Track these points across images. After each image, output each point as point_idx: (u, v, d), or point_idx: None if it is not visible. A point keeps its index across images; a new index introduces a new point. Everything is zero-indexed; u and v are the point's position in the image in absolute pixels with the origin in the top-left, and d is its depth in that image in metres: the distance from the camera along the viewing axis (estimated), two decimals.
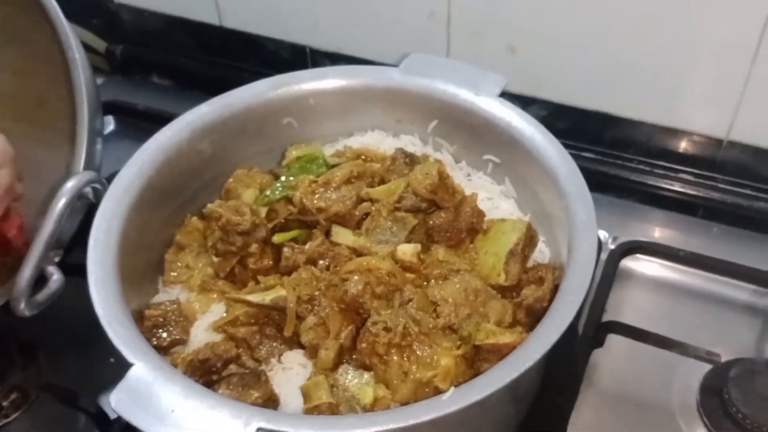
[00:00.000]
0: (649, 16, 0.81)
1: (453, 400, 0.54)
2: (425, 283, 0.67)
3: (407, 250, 0.68)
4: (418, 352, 0.61)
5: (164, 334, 0.67)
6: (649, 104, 0.89)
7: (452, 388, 0.55)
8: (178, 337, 0.67)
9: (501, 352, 0.61)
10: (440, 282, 0.66)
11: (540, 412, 0.70)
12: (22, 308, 0.65)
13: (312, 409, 0.59)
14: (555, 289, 0.65)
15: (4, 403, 0.76)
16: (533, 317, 0.65)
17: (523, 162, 0.73)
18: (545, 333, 0.58)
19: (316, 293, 0.66)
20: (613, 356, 0.77)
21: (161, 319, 0.68)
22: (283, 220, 0.72)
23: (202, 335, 0.68)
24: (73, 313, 0.70)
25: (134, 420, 0.53)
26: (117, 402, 0.54)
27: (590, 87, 0.90)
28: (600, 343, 0.76)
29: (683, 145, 0.90)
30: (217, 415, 0.53)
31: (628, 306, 0.82)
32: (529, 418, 0.70)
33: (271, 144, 0.81)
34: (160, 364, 0.57)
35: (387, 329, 0.61)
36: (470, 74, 0.78)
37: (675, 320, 0.79)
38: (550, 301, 0.65)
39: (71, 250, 0.79)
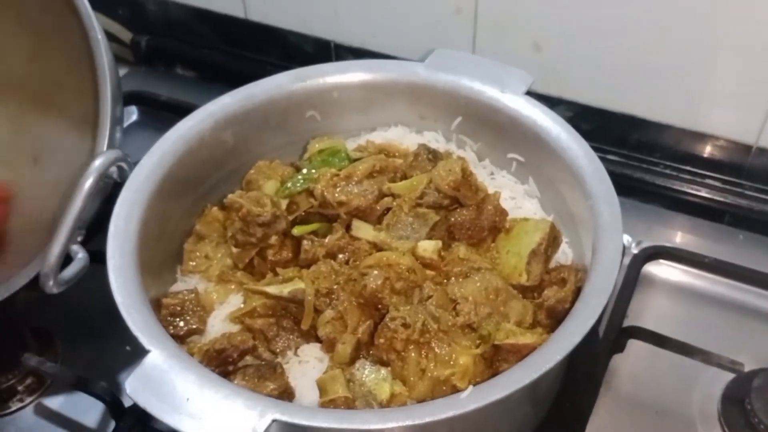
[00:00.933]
0: (675, 17, 0.80)
1: (472, 399, 0.53)
2: (445, 280, 0.66)
3: (428, 247, 0.67)
4: (436, 350, 0.60)
5: (181, 323, 0.67)
6: (675, 107, 0.87)
7: (471, 387, 0.54)
8: (195, 326, 0.67)
9: (521, 353, 0.60)
10: (461, 280, 0.65)
11: (559, 415, 0.69)
12: (51, 285, 0.65)
13: (328, 403, 0.58)
14: (577, 291, 0.64)
15: (20, 387, 0.77)
16: (554, 319, 0.64)
17: (548, 161, 0.72)
18: (567, 335, 0.57)
19: (335, 287, 0.65)
20: (634, 362, 0.75)
21: (179, 308, 0.67)
22: (303, 213, 0.72)
23: (219, 325, 0.68)
24: (89, 300, 0.70)
25: (149, 407, 0.53)
26: (132, 389, 0.54)
27: (616, 88, 0.89)
28: (621, 348, 0.75)
29: (710, 150, 0.89)
30: (232, 405, 0.53)
31: (649, 311, 0.80)
32: (547, 419, 0.69)
33: (294, 137, 0.81)
34: (176, 352, 0.57)
35: (406, 325, 0.60)
36: (496, 71, 0.77)
37: (697, 327, 0.78)
38: (572, 303, 0.64)
39: (91, 238, 0.79)
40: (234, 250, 0.71)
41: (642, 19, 0.82)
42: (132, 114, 1.07)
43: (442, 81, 0.77)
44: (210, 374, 0.56)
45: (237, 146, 0.77)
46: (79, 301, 0.73)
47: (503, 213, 0.71)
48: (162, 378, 0.54)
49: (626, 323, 0.77)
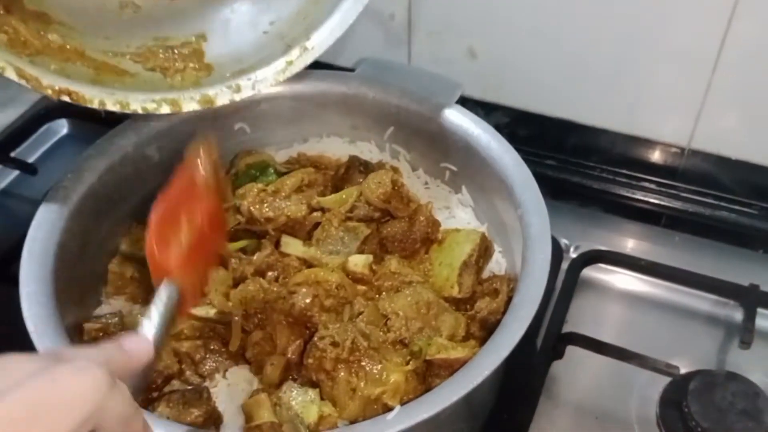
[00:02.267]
0: (611, 23, 0.80)
1: (398, 419, 0.52)
2: (377, 295, 0.65)
3: (359, 261, 0.66)
4: (366, 368, 0.59)
5: None
6: (611, 112, 0.88)
7: (398, 407, 0.53)
8: None
9: (452, 367, 0.59)
10: (392, 294, 0.64)
11: (498, 426, 0.69)
12: None
13: (254, 429, 0.56)
14: (509, 301, 0.64)
15: None
16: (487, 330, 0.63)
17: (480, 171, 0.72)
18: (496, 348, 0.56)
19: (264, 306, 0.63)
20: (573, 368, 0.75)
21: (101, 333, 0.65)
22: (231, 230, 0.70)
23: None
24: (6, 324, 0.67)
25: None
26: None
27: (552, 93, 0.89)
28: (560, 354, 0.75)
29: (646, 154, 0.90)
30: None
31: (589, 315, 0.80)
32: (487, 428, 0.68)
33: (222, 150, 0.78)
34: None
35: (335, 344, 0.58)
36: (427, 80, 0.76)
37: (636, 330, 0.79)
38: (505, 313, 0.63)
39: (10, 261, 0.76)
40: None
41: (578, 24, 0.82)
42: (62, 128, 1.03)
43: (373, 91, 0.76)
44: None
45: (163, 160, 0.75)
46: None
47: (435, 224, 0.70)
48: None
49: (565, 328, 0.77)
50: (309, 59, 0.71)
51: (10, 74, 0.61)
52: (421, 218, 0.69)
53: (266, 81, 0.72)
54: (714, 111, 0.82)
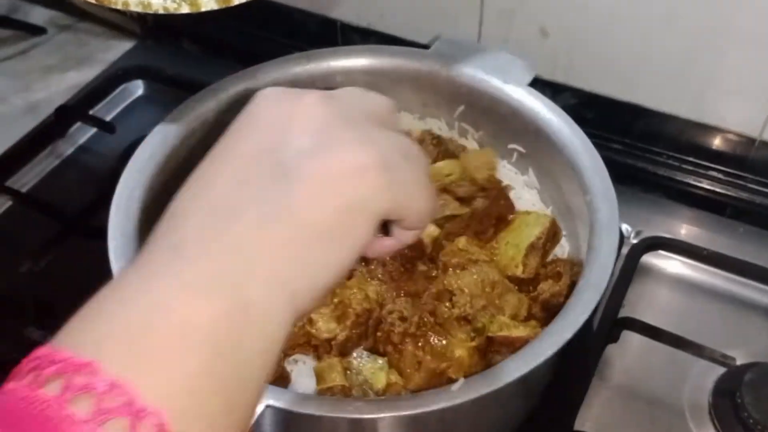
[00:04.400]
0: (684, 6, 0.79)
1: (463, 391, 0.54)
2: (443, 273, 0.67)
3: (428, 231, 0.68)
4: (432, 343, 0.61)
5: None
6: (681, 98, 0.87)
7: (462, 379, 0.55)
8: None
9: (513, 345, 0.61)
10: (458, 272, 0.65)
11: (551, 404, 0.70)
12: None
13: (325, 391, 0.59)
14: (572, 285, 0.65)
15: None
16: (549, 312, 0.65)
17: (549, 154, 0.73)
18: (559, 330, 0.57)
19: None
20: (628, 352, 0.76)
21: None
22: None
23: None
24: (92, 275, 0.70)
25: None
26: None
27: (622, 77, 0.88)
28: (615, 338, 0.76)
29: (714, 142, 0.89)
30: None
31: (646, 302, 0.81)
32: (539, 408, 0.70)
33: None
34: None
35: (403, 319, 0.61)
36: (500, 61, 0.77)
37: (693, 319, 0.79)
38: (567, 296, 0.65)
39: (94, 213, 0.80)
40: None
41: (650, 7, 0.81)
42: (138, 89, 1.07)
43: (446, 69, 0.77)
44: None
45: None
46: (81, 275, 0.74)
47: (511, 206, 0.72)
48: None
49: (622, 312, 0.77)
50: None
51: None
52: (502, 201, 0.70)
53: None
54: None
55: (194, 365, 0.31)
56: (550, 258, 0.70)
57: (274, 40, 1.05)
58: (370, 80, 0.80)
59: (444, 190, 0.70)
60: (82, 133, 0.99)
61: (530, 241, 0.67)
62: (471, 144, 0.79)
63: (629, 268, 0.80)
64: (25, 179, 0.93)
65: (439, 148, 0.75)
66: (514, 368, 0.55)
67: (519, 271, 0.68)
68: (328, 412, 0.53)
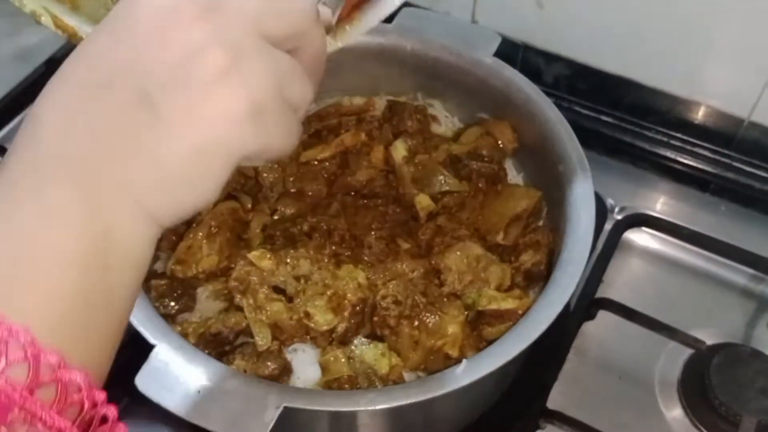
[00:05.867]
0: None
1: (467, 374, 0.57)
2: (426, 251, 0.69)
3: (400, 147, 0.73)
4: (426, 321, 0.63)
5: (172, 303, 0.67)
6: (672, 74, 0.86)
7: (464, 361, 0.58)
8: (185, 304, 0.68)
9: (503, 317, 0.64)
10: (444, 251, 0.68)
11: (525, 379, 0.71)
12: None
13: (332, 382, 0.61)
14: (550, 252, 0.68)
15: None
16: (531, 280, 0.69)
17: (518, 123, 0.75)
18: (549, 304, 0.61)
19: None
20: (603, 328, 0.77)
21: (167, 288, 0.68)
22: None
23: (204, 302, 0.69)
24: None
25: (162, 401, 0.55)
26: (142, 384, 0.55)
27: (615, 50, 0.87)
28: (592, 316, 0.77)
29: (703, 120, 0.89)
30: (243, 394, 0.55)
31: (625, 277, 0.81)
32: (516, 382, 0.71)
33: None
34: (180, 344, 0.58)
35: (397, 302, 0.63)
36: (465, 31, 0.77)
37: (669, 296, 0.80)
38: (547, 264, 0.68)
39: None
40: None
41: None
42: None
43: (411, 43, 0.77)
44: (216, 364, 0.58)
45: None
46: None
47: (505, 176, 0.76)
48: (170, 371, 0.56)
49: (601, 288, 0.78)
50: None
51: (47, 22, 0.58)
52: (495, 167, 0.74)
53: None
54: None
55: (63, 288, 0.34)
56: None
57: None
58: (334, 58, 0.79)
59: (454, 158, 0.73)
60: None
61: (516, 212, 0.70)
62: (440, 112, 0.81)
63: (611, 245, 0.80)
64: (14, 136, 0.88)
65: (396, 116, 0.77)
66: (514, 344, 0.59)
67: (500, 238, 0.70)
68: (342, 407, 0.55)
